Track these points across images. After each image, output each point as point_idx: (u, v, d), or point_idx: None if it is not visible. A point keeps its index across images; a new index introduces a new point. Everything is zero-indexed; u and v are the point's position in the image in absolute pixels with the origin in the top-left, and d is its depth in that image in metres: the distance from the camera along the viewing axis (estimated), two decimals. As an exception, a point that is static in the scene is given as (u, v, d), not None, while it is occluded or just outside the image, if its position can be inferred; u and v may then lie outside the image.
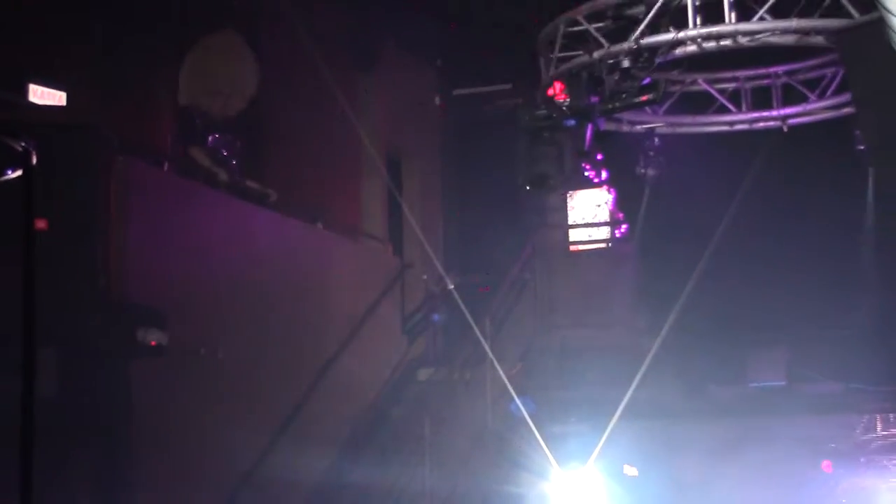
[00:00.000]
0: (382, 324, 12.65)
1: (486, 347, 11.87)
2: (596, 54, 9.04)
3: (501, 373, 11.50)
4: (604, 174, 14.43)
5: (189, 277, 9.52)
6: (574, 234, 14.84)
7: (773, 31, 8.85)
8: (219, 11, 10.74)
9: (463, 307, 10.50)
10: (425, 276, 14.33)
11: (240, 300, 10.14)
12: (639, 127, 10.82)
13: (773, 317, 12.22)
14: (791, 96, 10.68)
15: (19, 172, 3.73)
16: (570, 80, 9.32)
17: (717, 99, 10.81)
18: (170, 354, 8.74)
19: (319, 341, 11.41)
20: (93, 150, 8.60)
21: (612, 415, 10.53)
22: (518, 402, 10.89)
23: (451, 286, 13.21)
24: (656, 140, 10.92)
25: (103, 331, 8.40)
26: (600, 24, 9.27)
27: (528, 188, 9.71)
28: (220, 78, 10.38)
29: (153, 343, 8.53)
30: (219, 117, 10.42)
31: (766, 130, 10.72)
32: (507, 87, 14.66)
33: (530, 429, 10.61)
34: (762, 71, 10.77)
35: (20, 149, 3.70)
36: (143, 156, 9.50)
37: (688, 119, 10.90)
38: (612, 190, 14.44)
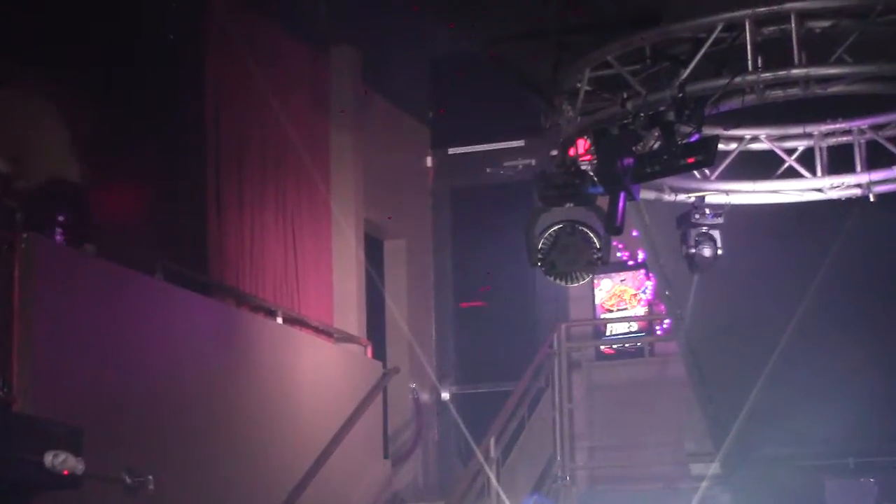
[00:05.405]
0: (359, 445, 12.60)
1: (491, 475, 11.79)
2: (629, 104, 9.08)
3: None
4: (640, 255, 14.49)
5: (113, 387, 9.46)
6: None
7: (853, 77, 8.88)
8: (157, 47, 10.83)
9: (461, 424, 10.46)
10: (413, 385, 14.31)
11: (178, 415, 10.09)
12: (685, 196, 10.84)
13: (858, 438, 12.16)
14: (878, 157, 10.70)
15: None
16: (596, 136, 9.35)
17: (783, 160, 10.85)
18: (87, 485, 8.62)
19: (278, 468, 11.33)
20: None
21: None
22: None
23: (446, 397, 13.17)
24: (707, 212, 10.92)
25: (2, 456, 8.23)
26: (635, 67, 9.32)
27: (544, 274, 9.69)
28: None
29: (65, 472, 8.41)
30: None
31: (848, 200, 10.73)
32: (518, 144, 14.74)
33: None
34: (841, 125, 10.81)
35: None
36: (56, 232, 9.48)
37: (747, 186, 10.91)
38: (650, 275, 14.47)
